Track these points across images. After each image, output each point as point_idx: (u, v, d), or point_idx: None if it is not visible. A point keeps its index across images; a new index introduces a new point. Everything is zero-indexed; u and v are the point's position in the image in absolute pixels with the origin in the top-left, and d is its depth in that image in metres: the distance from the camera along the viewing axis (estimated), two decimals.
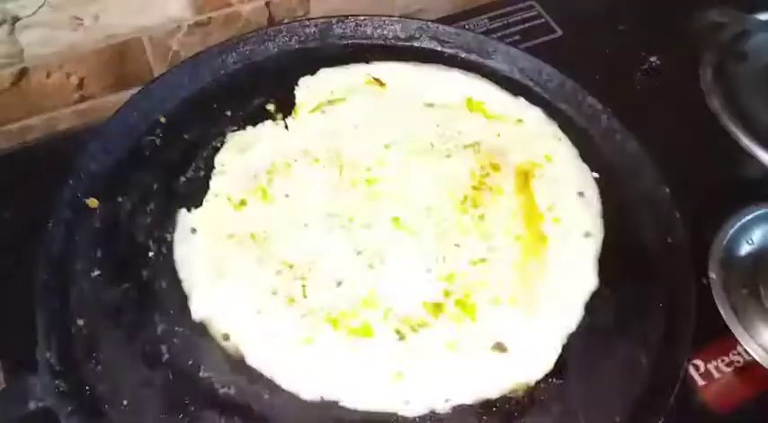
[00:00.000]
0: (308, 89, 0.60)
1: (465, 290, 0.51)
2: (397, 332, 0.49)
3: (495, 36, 0.70)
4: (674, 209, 0.51)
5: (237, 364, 0.46)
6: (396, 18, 0.63)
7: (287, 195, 0.55)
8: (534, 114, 0.60)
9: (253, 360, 0.46)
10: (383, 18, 0.63)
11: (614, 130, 0.56)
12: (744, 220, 0.56)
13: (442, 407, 0.46)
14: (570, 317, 0.50)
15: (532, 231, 0.54)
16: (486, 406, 0.46)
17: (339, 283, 0.50)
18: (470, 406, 0.46)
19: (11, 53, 0.64)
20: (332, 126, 0.59)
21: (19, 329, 0.51)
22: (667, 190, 0.52)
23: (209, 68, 0.59)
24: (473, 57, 0.62)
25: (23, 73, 0.66)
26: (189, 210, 0.52)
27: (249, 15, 0.73)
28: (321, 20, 0.63)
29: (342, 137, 0.58)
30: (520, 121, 0.59)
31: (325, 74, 0.61)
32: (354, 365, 0.47)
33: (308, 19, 0.63)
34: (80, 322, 0.47)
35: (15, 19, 0.62)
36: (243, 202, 0.54)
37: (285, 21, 0.74)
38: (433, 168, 0.57)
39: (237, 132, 0.57)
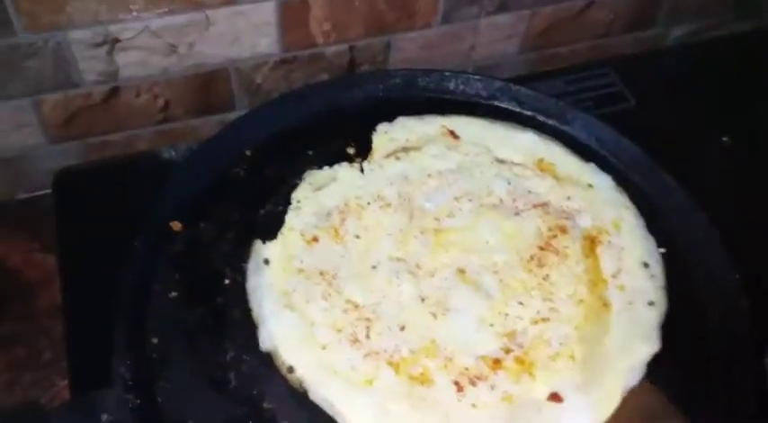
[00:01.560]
0: (384, 135, 0.62)
1: (525, 347, 0.51)
2: (456, 384, 0.49)
3: (569, 100, 0.72)
4: (741, 295, 0.51)
5: (301, 397, 0.47)
6: (478, 77, 0.65)
7: (357, 236, 0.56)
8: (605, 181, 0.60)
9: (315, 395, 0.47)
10: (467, 75, 0.64)
11: (685, 206, 0.57)
12: None
13: None
14: (630, 374, 0.50)
15: (596, 296, 0.55)
16: None
17: (402, 328, 0.51)
18: None
19: (107, 72, 0.68)
20: (405, 172, 0.60)
21: (87, 346, 0.54)
22: (737, 276, 0.52)
23: (296, 107, 0.62)
24: (551, 121, 0.63)
25: (115, 91, 0.70)
26: (264, 241, 0.54)
27: (332, 57, 0.75)
28: (406, 71, 0.65)
29: (414, 184, 0.59)
30: (590, 186, 0.60)
31: (402, 122, 0.62)
32: (411, 412, 0.48)
33: (396, 70, 0.66)
34: (154, 341, 0.49)
35: (116, 41, 0.65)
36: (315, 239, 0.55)
37: (364, 66, 0.77)
38: (502, 224, 0.58)
39: (315, 171, 0.59)
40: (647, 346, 0.51)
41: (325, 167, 0.59)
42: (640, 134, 0.64)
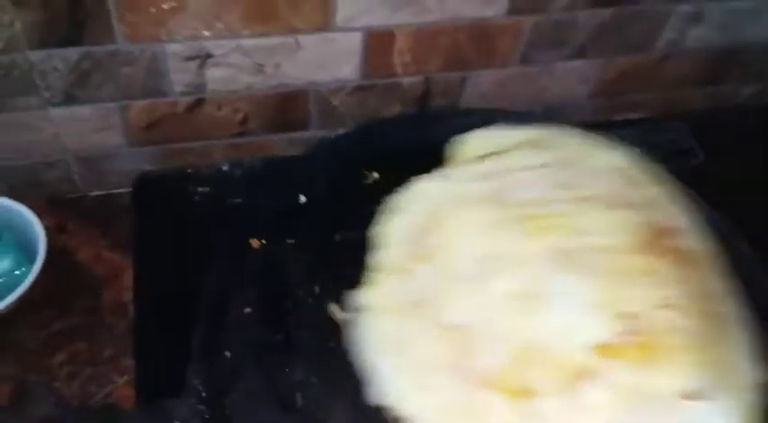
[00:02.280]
0: (464, 144, 0.62)
1: (648, 332, 0.46)
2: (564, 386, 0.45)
3: (638, 151, 0.72)
4: None
5: None
6: (556, 122, 0.66)
7: (443, 245, 0.54)
8: None
9: None
10: (545, 119, 0.66)
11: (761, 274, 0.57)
12: None
13: None
14: None
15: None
16: None
17: (500, 336, 0.49)
18: None
19: (195, 84, 0.70)
20: (492, 170, 0.59)
21: (154, 351, 0.55)
22: None
23: (376, 137, 0.64)
24: None
25: (199, 103, 0.72)
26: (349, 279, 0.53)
27: (407, 87, 0.77)
28: (486, 111, 0.66)
29: (503, 178, 0.57)
30: None
31: (482, 132, 0.63)
32: None
33: (476, 108, 0.67)
34: (227, 354, 0.50)
35: (208, 56, 0.68)
36: (405, 271, 0.54)
37: (438, 97, 0.79)
38: (608, 213, 0.54)
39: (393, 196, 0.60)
40: None
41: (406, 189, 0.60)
42: (708, 191, 0.64)
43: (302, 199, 0.60)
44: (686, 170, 0.73)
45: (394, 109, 0.78)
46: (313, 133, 0.79)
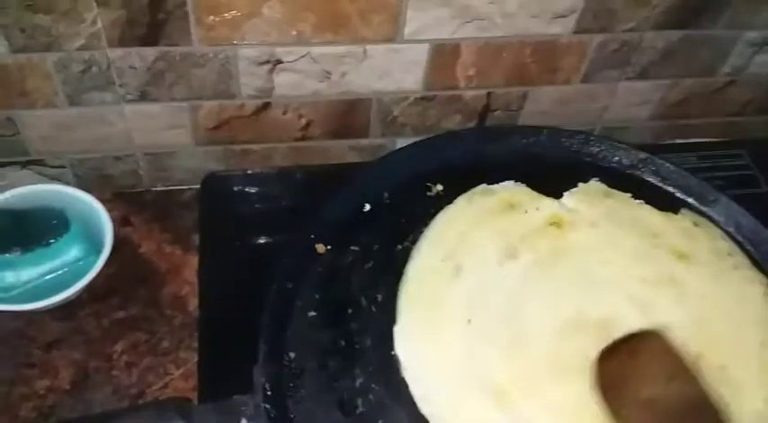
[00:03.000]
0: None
1: None
2: None
3: (700, 176, 0.72)
4: None
5: None
6: (623, 144, 0.66)
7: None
8: None
9: None
10: (612, 142, 0.66)
11: None
12: None
13: None
14: None
15: None
16: None
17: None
18: None
19: (263, 88, 0.72)
20: None
21: (218, 347, 0.57)
22: None
23: (443, 150, 0.64)
24: (691, 199, 0.64)
25: (266, 106, 0.74)
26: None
27: (468, 100, 0.78)
28: (554, 129, 0.67)
29: None
30: None
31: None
32: None
33: (542, 127, 0.68)
34: (291, 355, 0.52)
35: (278, 62, 0.69)
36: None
37: (498, 112, 0.79)
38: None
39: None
40: None
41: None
42: None
43: (367, 207, 0.60)
44: (748, 199, 0.73)
45: (453, 121, 0.79)
46: (371, 141, 0.80)
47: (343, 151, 0.81)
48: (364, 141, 0.80)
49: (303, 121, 0.77)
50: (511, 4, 0.68)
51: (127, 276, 0.72)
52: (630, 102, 0.82)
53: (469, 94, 0.77)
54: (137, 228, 0.76)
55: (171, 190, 0.80)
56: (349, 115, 0.77)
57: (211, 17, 0.64)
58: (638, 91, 0.80)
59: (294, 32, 0.67)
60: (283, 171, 0.73)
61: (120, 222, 0.75)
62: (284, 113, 0.75)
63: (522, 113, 0.81)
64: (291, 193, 0.66)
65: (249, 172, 0.73)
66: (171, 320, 0.70)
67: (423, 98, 0.77)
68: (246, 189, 0.70)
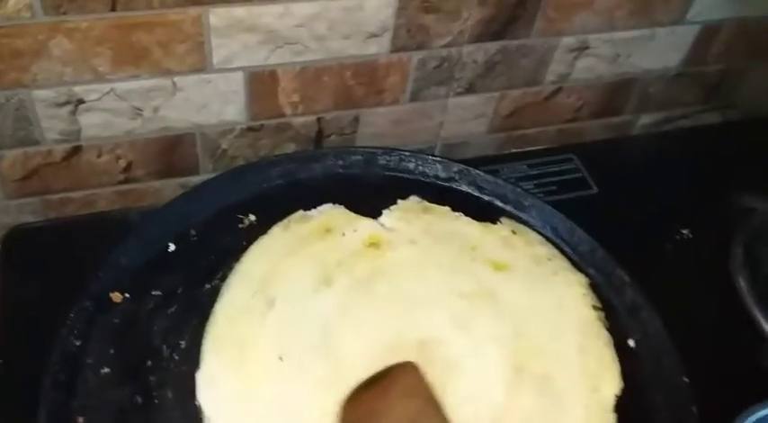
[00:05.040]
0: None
1: None
2: None
3: (531, 184, 0.72)
4: (692, 401, 0.50)
5: None
6: (438, 158, 0.65)
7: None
8: None
9: None
10: (426, 156, 0.65)
11: (640, 305, 0.56)
12: (758, 416, 0.55)
13: None
14: None
15: None
16: None
17: None
18: None
19: (68, 131, 0.67)
20: None
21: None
22: (686, 379, 0.52)
23: (252, 180, 0.61)
24: (508, 207, 0.63)
25: (77, 150, 0.69)
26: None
27: (299, 127, 0.75)
28: (368, 149, 0.65)
29: None
30: None
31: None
32: None
33: (355, 147, 0.66)
34: (80, 420, 0.47)
35: (80, 102, 0.65)
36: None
37: (332, 137, 0.77)
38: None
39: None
40: None
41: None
42: (599, 222, 0.64)
43: (171, 247, 0.56)
44: (579, 202, 0.73)
45: (288, 149, 0.77)
46: (203, 178, 0.76)
47: (174, 190, 0.77)
48: (195, 179, 0.76)
49: (122, 163, 0.72)
50: (320, 27, 0.66)
51: None
52: (464, 117, 0.81)
53: (298, 120, 0.75)
54: None
55: None
56: (172, 152, 0.73)
57: None
58: (469, 105, 0.80)
59: (91, 69, 0.63)
60: (97, 217, 0.68)
61: None
62: (99, 156, 0.71)
63: (357, 136, 0.79)
64: (107, 240, 0.61)
65: (59, 221, 0.68)
66: None
67: (249, 129, 0.74)
68: (57, 240, 0.65)
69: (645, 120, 0.92)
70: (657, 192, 0.75)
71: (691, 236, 0.72)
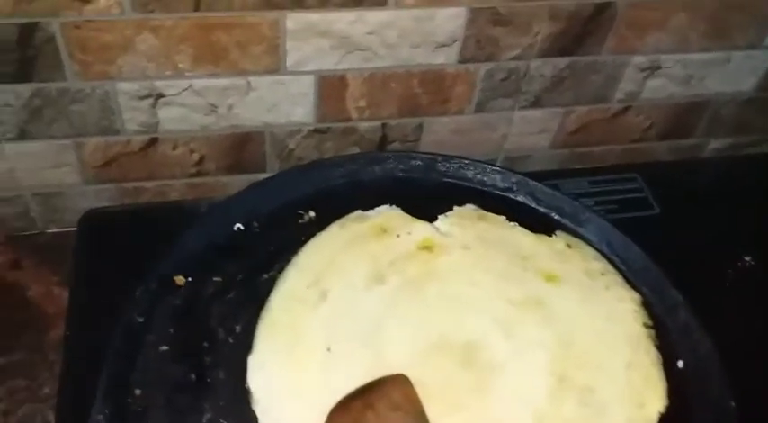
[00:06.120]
0: None
1: None
2: None
3: (592, 201, 0.72)
4: None
5: None
6: (497, 168, 0.66)
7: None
8: None
9: None
10: (485, 165, 0.65)
11: (692, 326, 0.55)
12: None
13: None
14: None
15: None
16: None
17: None
18: None
19: (148, 123, 0.71)
20: None
21: (80, 388, 0.54)
22: (733, 403, 0.51)
23: (316, 178, 0.63)
24: (565, 220, 0.63)
25: (153, 142, 0.73)
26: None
27: (364, 132, 0.77)
28: (428, 155, 0.66)
29: None
30: None
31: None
32: None
33: (416, 152, 0.67)
34: (137, 392, 0.49)
35: (160, 96, 0.69)
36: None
37: (396, 143, 0.79)
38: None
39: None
40: None
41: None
42: (660, 243, 0.63)
43: (236, 237, 0.59)
44: (640, 222, 0.73)
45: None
46: (270, 175, 0.79)
47: (242, 186, 0.79)
48: (263, 176, 0.79)
49: (196, 157, 0.76)
50: (391, 35, 0.68)
51: (12, 321, 0.69)
52: (528, 131, 0.82)
53: (363, 125, 0.77)
54: (26, 271, 0.74)
55: (65, 232, 0.78)
56: (242, 149, 0.76)
57: (84, 51, 0.63)
58: (535, 119, 0.80)
59: (172, 65, 0.66)
60: (169, 206, 0.72)
61: (9, 266, 0.73)
62: (174, 149, 0.74)
63: (419, 144, 0.80)
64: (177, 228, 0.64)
65: (132, 208, 0.71)
66: (53, 366, 0.67)
67: (316, 131, 0.76)
68: (130, 225, 0.68)
69: (715, 144, 0.90)
70: (722, 216, 0.74)
71: (753, 262, 0.70)
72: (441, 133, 0.79)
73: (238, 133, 0.74)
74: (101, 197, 0.77)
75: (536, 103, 0.79)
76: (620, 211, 0.73)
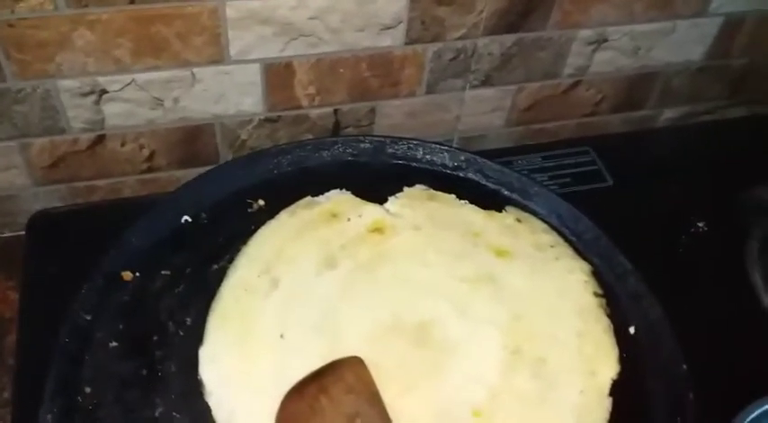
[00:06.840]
0: None
1: None
2: None
3: (546, 176, 0.72)
4: (689, 390, 0.50)
5: None
6: (446, 147, 0.66)
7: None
8: None
9: None
10: (433, 145, 0.65)
11: (642, 293, 0.56)
12: (759, 412, 0.53)
13: None
14: None
15: None
16: None
17: None
18: None
19: (93, 120, 0.70)
20: None
21: (34, 389, 0.54)
22: (684, 367, 0.51)
23: (263, 166, 0.63)
24: (515, 196, 0.63)
25: (101, 139, 0.72)
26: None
27: (316, 119, 0.77)
28: (376, 137, 0.66)
29: None
30: None
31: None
32: None
33: (364, 135, 0.67)
34: (87, 390, 0.49)
35: (103, 91, 0.68)
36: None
37: (349, 128, 0.79)
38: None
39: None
40: None
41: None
42: (614, 214, 0.64)
43: (183, 229, 0.58)
44: (593, 194, 0.73)
45: None
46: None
47: None
48: None
49: (146, 152, 0.75)
50: (334, 19, 0.68)
51: None
52: (481, 110, 0.81)
53: (315, 112, 0.76)
54: None
55: (18, 236, 0.77)
56: (193, 142, 0.75)
57: (20, 51, 0.62)
58: (487, 98, 0.80)
59: (113, 60, 0.65)
60: (116, 203, 0.71)
61: None
62: (123, 145, 0.73)
63: (374, 129, 0.80)
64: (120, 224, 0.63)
65: (81, 207, 0.70)
66: (12, 370, 0.66)
67: (267, 120, 0.75)
68: (79, 225, 0.67)
69: (668, 114, 0.90)
70: (675, 185, 0.74)
71: (706, 229, 0.71)
72: (394, 117, 0.79)
73: (188, 126, 0.73)
74: (52, 198, 0.76)
75: (486, 82, 0.78)
76: (573, 184, 0.73)
